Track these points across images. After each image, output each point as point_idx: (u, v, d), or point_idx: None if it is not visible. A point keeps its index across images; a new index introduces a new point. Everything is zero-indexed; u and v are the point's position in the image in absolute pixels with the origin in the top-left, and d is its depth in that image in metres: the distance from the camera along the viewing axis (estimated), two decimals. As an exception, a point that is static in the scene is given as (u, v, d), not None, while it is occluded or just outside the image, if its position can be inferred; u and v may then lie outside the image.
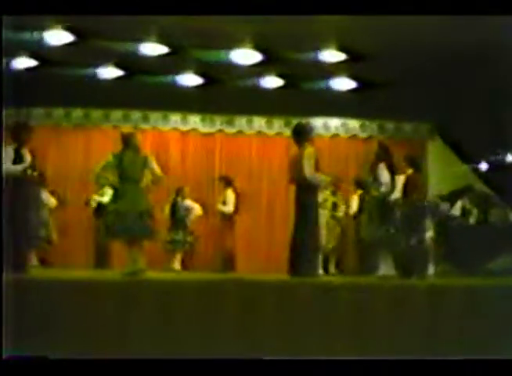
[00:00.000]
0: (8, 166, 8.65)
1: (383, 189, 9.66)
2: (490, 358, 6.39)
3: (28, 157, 8.85)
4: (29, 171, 8.81)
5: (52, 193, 13.44)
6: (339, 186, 12.93)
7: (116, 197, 9.01)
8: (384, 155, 9.85)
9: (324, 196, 12.14)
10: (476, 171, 14.70)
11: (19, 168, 8.68)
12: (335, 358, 6.82)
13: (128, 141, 8.99)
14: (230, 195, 13.45)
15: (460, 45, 10.26)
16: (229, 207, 13.38)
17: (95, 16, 10.42)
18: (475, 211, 12.70)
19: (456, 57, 10.75)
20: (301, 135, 9.28)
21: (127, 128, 12.72)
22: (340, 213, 13.13)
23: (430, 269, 12.11)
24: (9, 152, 8.75)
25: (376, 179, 9.68)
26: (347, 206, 13.22)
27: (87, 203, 13.74)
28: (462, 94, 11.81)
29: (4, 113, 13.89)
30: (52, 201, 13.17)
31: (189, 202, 13.75)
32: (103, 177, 9.13)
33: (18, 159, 8.73)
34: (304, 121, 10.11)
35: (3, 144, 8.97)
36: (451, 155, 14.89)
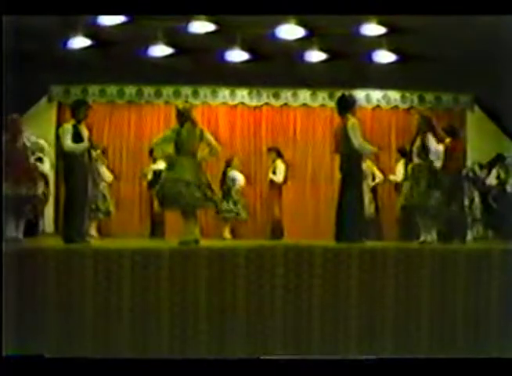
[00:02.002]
0: (67, 143, 9.01)
1: (433, 157, 9.79)
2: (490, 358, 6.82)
3: (86, 133, 9.21)
4: (87, 148, 9.19)
5: (108, 167, 13.77)
6: (377, 155, 13.05)
7: (170, 168, 9.11)
8: (427, 125, 9.97)
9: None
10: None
11: (79, 147, 9.04)
12: (335, 358, 7.29)
13: (184, 115, 9.13)
14: (280, 165, 13.85)
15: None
16: (279, 177, 13.78)
17: (95, 16, 10.93)
18: (510, 180, 12.81)
19: (496, 30, 10.83)
20: (345, 106, 9.57)
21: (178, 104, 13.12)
22: (378, 180, 13.48)
23: (471, 235, 12.41)
24: (68, 128, 9.11)
25: (424, 148, 9.77)
26: (385, 175, 13.58)
27: (143, 175, 14.06)
28: (502, 64, 11.87)
29: (55, 90, 14.61)
30: (108, 175, 13.44)
31: (235, 173, 14.07)
32: (160, 149, 9.31)
33: (76, 135, 9.06)
34: (347, 93, 10.21)
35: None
36: (490, 125, 14.97)
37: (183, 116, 9.15)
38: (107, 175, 13.39)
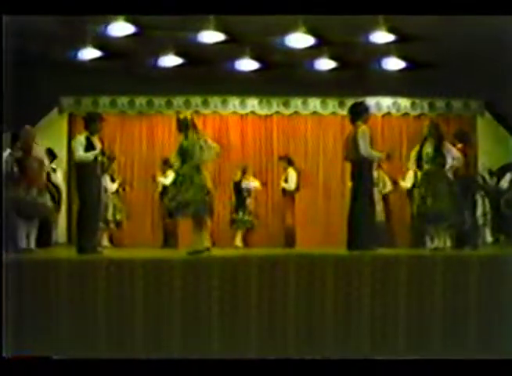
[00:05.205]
0: (80, 154, 9.10)
1: (451, 163, 9.71)
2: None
3: (98, 145, 9.29)
4: (99, 158, 9.23)
5: (112, 177, 13.65)
6: (389, 162, 12.74)
7: (177, 178, 9.07)
8: (436, 132, 9.88)
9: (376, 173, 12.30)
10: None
11: (90, 155, 9.10)
12: (337, 358, 7.26)
13: (185, 124, 9.08)
14: (292, 173, 13.94)
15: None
16: (291, 185, 13.86)
17: (95, 16, 10.91)
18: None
19: (506, 34, 10.80)
20: (356, 114, 9.60)
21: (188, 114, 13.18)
22: (387, 188, 13.48)
23: (483, 241, 12.38)
24: (81, 140, 9.20)
25: (440, 154, 9.66)
26: (395, 182, 13.59)
27: (153, 179, 14.08)
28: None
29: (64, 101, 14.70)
30: (110, 185, 13.35)
31: (249, 182, 14.09)
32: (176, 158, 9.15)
33: (89, 147, 9.14)
34: (359, 100, 10.21)
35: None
36: (500, 131, 14.99)
37: (184, 125, 9.12)
38: (109, 185, 13.29)
